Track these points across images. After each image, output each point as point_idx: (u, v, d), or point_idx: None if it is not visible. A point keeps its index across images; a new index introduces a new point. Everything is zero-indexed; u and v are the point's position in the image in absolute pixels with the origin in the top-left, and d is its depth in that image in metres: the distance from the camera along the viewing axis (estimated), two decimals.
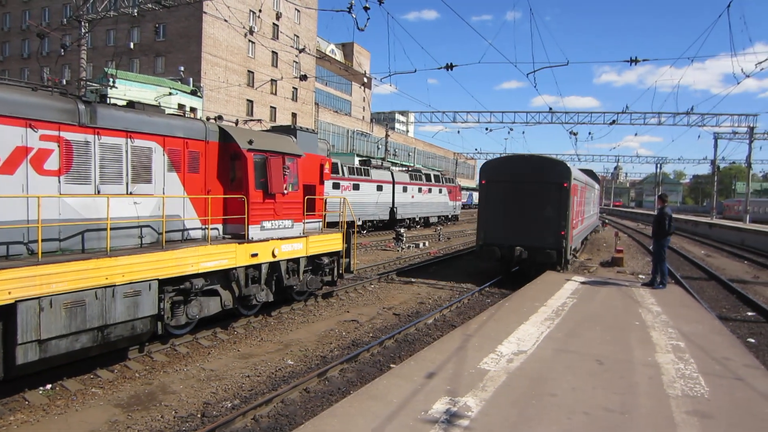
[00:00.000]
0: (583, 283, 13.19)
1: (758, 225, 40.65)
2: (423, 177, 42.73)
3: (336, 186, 29.58)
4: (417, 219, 41.19)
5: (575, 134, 40.76)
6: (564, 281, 13.32)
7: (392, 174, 37.47)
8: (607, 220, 54.21)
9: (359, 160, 40.85)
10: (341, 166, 31.06)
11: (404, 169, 44.77)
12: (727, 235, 36.84)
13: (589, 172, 30.81)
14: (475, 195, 69.43)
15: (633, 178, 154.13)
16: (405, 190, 38.52)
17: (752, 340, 10.39)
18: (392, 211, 36.80)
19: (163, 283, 8.28)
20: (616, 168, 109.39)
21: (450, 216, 48.98)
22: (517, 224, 16.29)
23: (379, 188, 35.25)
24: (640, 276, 13.36)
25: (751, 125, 41.04)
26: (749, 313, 12.96)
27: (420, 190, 41.37)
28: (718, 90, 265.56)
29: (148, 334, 8.14)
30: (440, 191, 45.70)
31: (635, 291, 12.26)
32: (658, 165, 75.32)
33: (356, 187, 31.94)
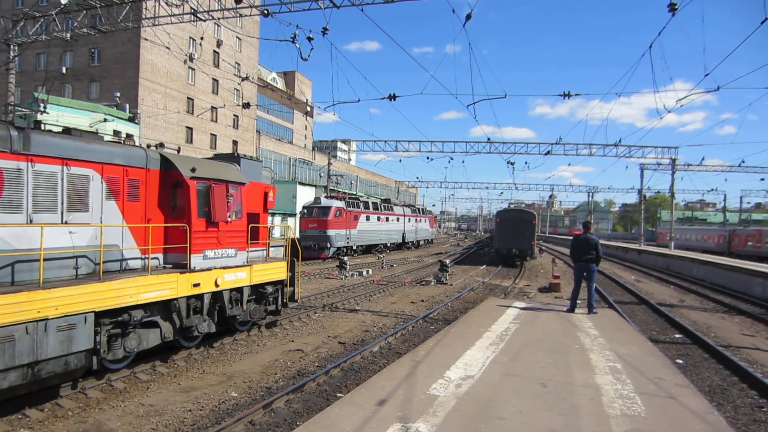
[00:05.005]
0: (523, 308, 13.54)
1: (682, 251, 43.01)
2: (417, 210, 57.05)
3: (379, 219, 43.26)
4: (414, 242, 53.74)
5: (512, 164, 41.99)
6: (506, 307, 13.64)
7: (402, 208, 50.50)
8: (543, 247, 55.84)
9: (381, 199, 53.87)
10: (380, 204, 45.54)
11: (403, 203, 57.07)
12: (655, 260, 38.78)
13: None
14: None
15: (567, 207, 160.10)
16: (409, 220, 51.25)
17: (681, 361, 10.94)
18: (403, 236, 49.23)
19: (100, 316, 7.94)
20: (551, 197, 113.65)
21: (430, 240, 61.84)
22: (513, 239, 35.08)
23: (398, 219, 48.02)
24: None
25: (673, 157, 43.70)
26: (677, 335, 13.64)
27: (417, 220, 54.45)
28: (642, 124, 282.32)
29: (83, 369, 7.75)
30: (425, 221, 58.64)
31: (573, 315, 12.69)
32: (590, 194, 78.75)
33: (387, 219, 45.20)
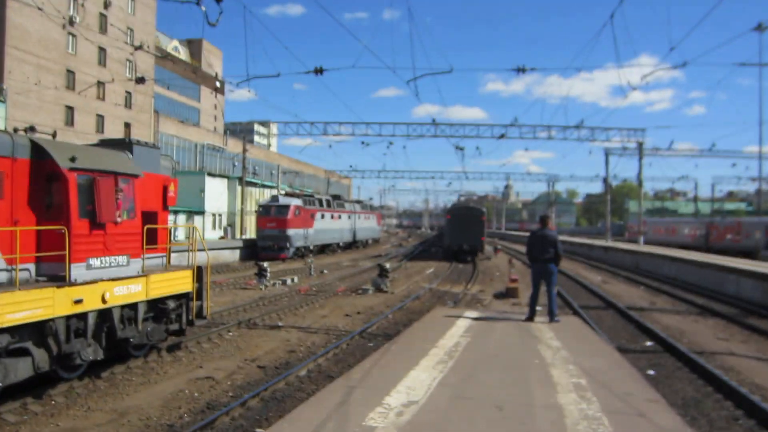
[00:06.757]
0: (476, 319, 13.75)
1: (653, 247, 44.95)
2: (365, 207, 64.46)
3: (332, 217, 49.07)
4: (364, 240, 60.46)
5: (462, 149, 42.79)
6: (456, 318, 13.80)
7: (353, 205, 57.61)
8: (499, 246, 57.12)
9: (332, 195, 57.00)
10: (332, 200, 51.19)
11: (352, 200, 65.43)
12: (623, 258, 40.43)
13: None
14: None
15: (525, 198, 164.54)
16: (359, 218, 57.76)
17: (652, 372, 11.41)
18: (354, 235, 55.68)
19: None
20: (506, 187, 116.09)
21: (377, 238, 69.68)
22: (464, 235, 41.21)
23: (349, 217, 54.24)
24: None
25: (640, 140, 45.61)
26: (648, 343, 14.24)
27: (365, 217, 61.08)
28: (606, 103, 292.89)
29: None
30: (373, 218, 65.70)
31: (532, 325, 12.99)
32: (551, 183, 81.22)
33: (340, 217, 51.45)
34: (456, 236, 42.07)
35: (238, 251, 40.12)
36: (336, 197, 56.11)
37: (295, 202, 41.40)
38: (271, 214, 39.94)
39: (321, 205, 47.31)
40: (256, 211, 44.23)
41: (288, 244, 39.32)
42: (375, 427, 6.45)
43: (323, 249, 47.07)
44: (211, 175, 53.77)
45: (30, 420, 8.56)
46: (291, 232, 39.45)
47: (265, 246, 39.52)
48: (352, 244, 56.15)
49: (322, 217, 46.49)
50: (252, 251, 40.35)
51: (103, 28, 52.80)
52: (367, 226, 62.39)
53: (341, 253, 49.89)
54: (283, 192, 48.79)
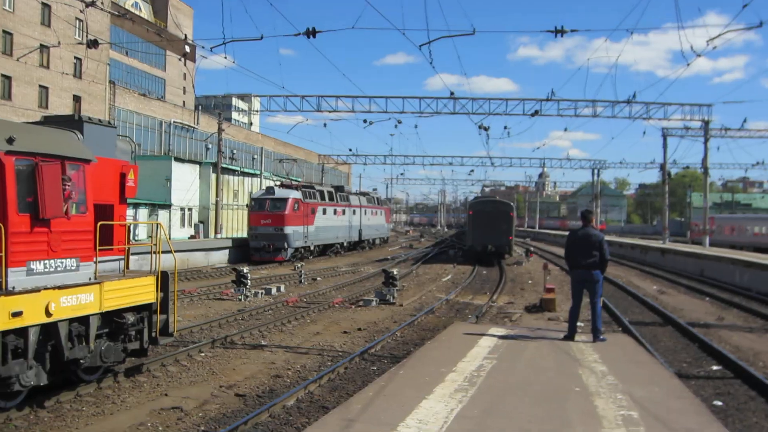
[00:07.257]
0: (503, 337, 13.75)
1: (719, 250, 44.68)
2: (374, 200, 66.67)
3: (335, 212, 50.90)
4: (370, 240, 62.87)
5: (486, 129, 42.03)
6: (479, 336, 13.81)
7: (358, 198, 59.93)
8: (532, 248, 57.07)
9: (333, 186, 59.54)
10: (335, 192, 53.51)
11: (357, 192, 67.54)
12: (684, 263, 40.33)
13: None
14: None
15: (564, 189, 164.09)
16: (365, 213, 60.17)
17: (719, 403, 11.38)
18: (360, 233, 57.89)
19: None
20: (541, 175, 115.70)
21: (386, 238, 71.68)
22: (488, 234, 42.60)
23: (354, 212, 56.33)
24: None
25: (706, 119, 45.28)
26: (714, 367, 14.20)
27: (373, 212, 63.30)
28: (664, 72, 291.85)
29: None
30: (381, 213, 67.73)
31: (573, 345, 12.98)
32: (596, 171, 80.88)
33: (344, 212, 53.33)
34: (479, 235, 43.61)
35: (225, 252, 40.97)
36: (338, 188, 57.19)
37: (294, 194, 42.35)
38: (266, 208, 40.82)
39: (323, 198, 48.38)
40: (247, 206, 45.44)
41: (285, 245, 40.15)
42: None
43: (324, 250, 48.21)
44: (179, 160, 53.92)
45: None
46: (289, 230, 40.33)
47: (259, 247, 40.35)
48: (357, 245, 58.19)
49: (324, 212, 47.53)
50: (242, 252, 41.15)
51: None
52: (375, 223, 64.57)
53: (341, 257, 50.06)
54: (277, 183, 49.13)
